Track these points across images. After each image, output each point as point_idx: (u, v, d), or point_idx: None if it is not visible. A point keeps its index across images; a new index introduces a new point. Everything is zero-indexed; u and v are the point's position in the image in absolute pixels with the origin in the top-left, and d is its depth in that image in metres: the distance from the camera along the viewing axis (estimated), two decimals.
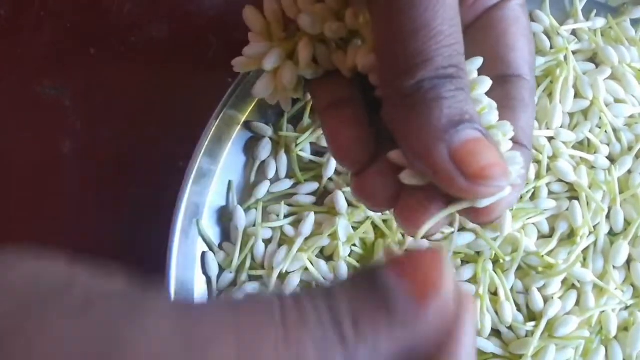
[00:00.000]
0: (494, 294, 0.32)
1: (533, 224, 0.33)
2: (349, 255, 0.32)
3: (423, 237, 0.22)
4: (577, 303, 0.32)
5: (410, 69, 0.20)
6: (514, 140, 0.23)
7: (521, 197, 0.33)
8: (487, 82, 0.23)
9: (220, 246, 0.33)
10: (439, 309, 0.16)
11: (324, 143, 0.34)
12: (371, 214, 0.32)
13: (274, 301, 0.15)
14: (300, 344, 0.15)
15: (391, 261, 0.16)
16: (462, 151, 0.20)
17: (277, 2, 0.26)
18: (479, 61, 0.23)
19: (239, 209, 0.33)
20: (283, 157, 0.34)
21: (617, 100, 0.34)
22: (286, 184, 0.34)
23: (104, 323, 0.14)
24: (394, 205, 0.23)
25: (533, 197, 0.33)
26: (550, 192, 0.33)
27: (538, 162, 0.33)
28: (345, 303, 0.16)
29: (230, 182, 0.34)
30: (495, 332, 0.32)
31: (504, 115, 0.23)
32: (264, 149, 0.34)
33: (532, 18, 0.36)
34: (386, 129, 0.23)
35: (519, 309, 0.32)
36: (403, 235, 0.31)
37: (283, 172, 0.34)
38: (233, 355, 0.15)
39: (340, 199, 0.32)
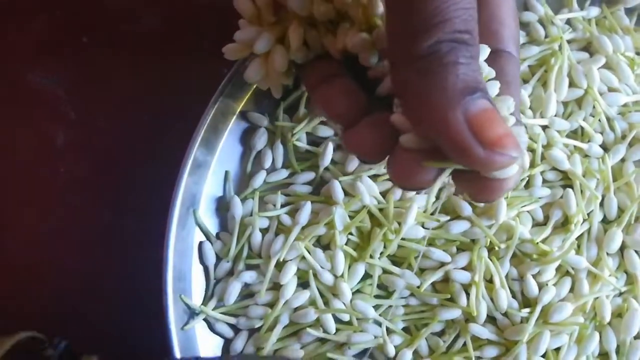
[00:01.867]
0: (489, 281, 0.32)
1: (528, 211, 0.33)
2: (346, 244, 0.32)
3: (413, 191, 0.21)
4: (572, 290, 0.32)
5: (427, 29, 0.19)
6: None
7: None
8: (485, 50, 0.22)
9: (217, 236, 0.34)
10: None
11: (320, 133, 0.34)
12: (368, 202, 0.32)
13: None
14: None
15: None
16: (479, 119, 0.19)
17: None
18: None
19: (235, 198, 0.33)
20: (279, 147, 0.34)
21: (611, 89, 0.35)
22: (283, 174, 0.34)
23: None
24: (384, 158, 0.23)
25: (527, 185, 0.33)
26: (544, 180, 0.34)
27: (532, 150, 0.33)
28: None
29: (227, 173, 0.34)
30: (491, 319, 0.32)
31: (501, 89, 0.23)
32: (260, 139, 0.34)
33: (527, 7, 0.36)
34: (378, 98, 0.22)
35: (514, 296, 0.32)
36: (399, 224, 0.32)
37: (279, 162, 0.34)
38: None
39: (337, 188, 0.32)
